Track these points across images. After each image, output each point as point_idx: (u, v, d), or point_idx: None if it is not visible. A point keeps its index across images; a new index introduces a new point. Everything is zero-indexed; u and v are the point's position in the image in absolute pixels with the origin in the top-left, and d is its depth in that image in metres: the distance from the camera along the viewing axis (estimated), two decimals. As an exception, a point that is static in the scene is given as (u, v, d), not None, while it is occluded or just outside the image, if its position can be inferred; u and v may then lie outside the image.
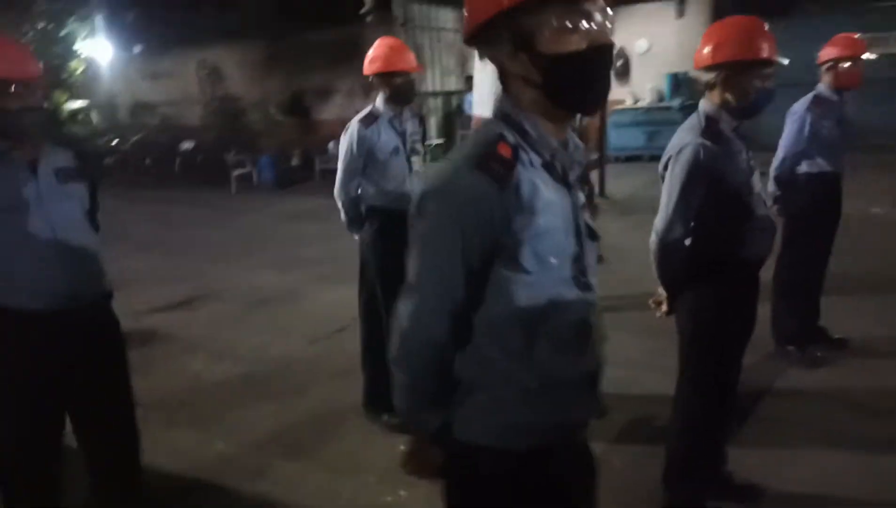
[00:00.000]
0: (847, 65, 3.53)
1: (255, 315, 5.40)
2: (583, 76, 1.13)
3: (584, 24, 1.10)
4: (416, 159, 3.34)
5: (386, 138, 3.19)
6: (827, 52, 3.59)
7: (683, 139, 2.13)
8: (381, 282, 3.25)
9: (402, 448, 1.44)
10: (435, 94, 12.24)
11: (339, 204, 3.29)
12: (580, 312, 1.23)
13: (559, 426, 1.27)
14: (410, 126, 3.35)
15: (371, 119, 3.18)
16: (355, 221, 3.32)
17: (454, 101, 11.70)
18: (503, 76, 1.21)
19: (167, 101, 16.88)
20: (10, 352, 2.06)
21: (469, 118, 10.71)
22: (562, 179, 1.20)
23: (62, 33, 16.56)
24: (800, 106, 3.59)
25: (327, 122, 14.38)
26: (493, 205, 1.11)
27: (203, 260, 7.26)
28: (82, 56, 15.64)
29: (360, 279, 3.38)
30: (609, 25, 1.13)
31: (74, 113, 14.92)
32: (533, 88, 1.15)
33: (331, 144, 12.03)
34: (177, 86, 16.55)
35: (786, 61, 2.11)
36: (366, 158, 3.18)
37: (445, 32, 11.78)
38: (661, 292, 2.34)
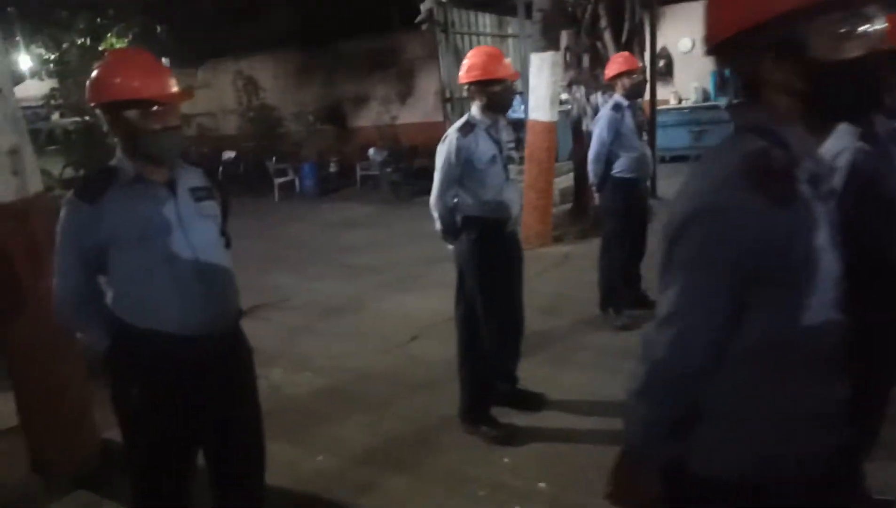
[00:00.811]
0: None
1: (323, 325, 5.38)
2: (860, 84, 1.05)
3: (863, 28, 1.03)
4: (511, 168, 3.30)
5: (484, 147, 3.13)
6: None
7: (838, 144, 2.04)
8: (480, 292, 3.20)
9: (610, 474, 1.36)
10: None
11: (435, 214, 3.23)
12: (840, 336, 1.15)
13: (812, 459, 1.18)
14: (505, 134, 3.31)
15: (469, 128, 3.13)
16: (451, 231, 3.26)
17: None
18: (753, 85, 1.13)
19: (203, 111, 17.07)
20: (148, 377, 2.01)
21: (512, 122, 10.59)
22: (820, 193, 1.12)
23: (101, 48, 16.86)
24: None
25: (363, 129, 14.48)
26: (771, 226, 1.04)
27: (257, 270, 7.25)
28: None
29: (458, 291, 3.32)
30: (887, 28, 1.06)
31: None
32: (793, 97, 1.08)
33: (371, 151, 12.03)
34: (213, 97, 16.74)
35: None
36: (463, 167, 3.13)
37: (485, 38, 11.72)
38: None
